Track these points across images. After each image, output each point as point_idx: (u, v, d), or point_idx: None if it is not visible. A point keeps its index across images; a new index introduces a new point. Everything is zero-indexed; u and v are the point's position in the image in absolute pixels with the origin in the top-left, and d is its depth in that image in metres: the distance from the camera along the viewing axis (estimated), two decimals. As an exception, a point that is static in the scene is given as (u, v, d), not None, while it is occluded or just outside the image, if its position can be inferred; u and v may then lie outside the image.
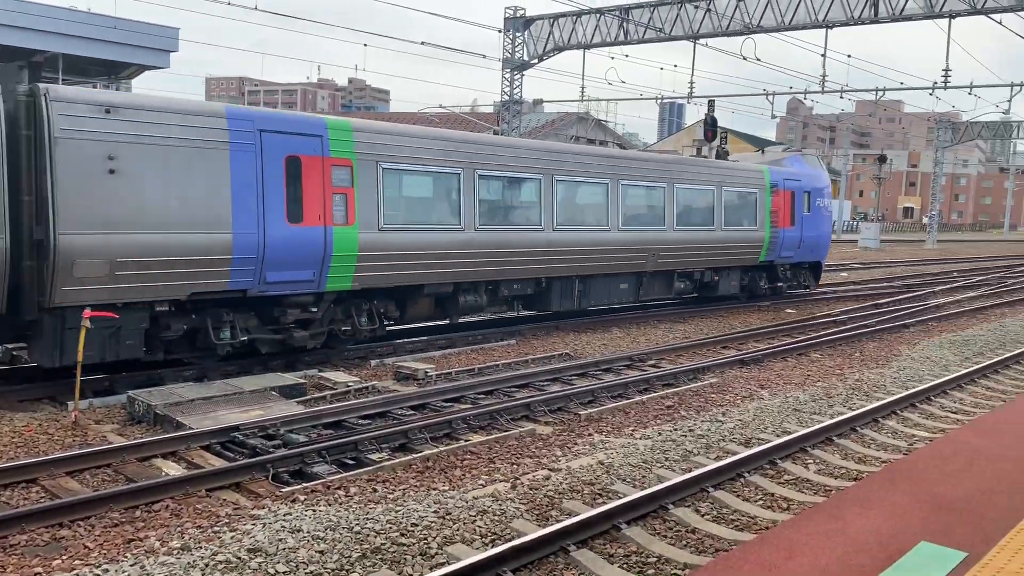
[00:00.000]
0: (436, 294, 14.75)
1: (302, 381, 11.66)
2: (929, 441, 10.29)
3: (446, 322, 15.82)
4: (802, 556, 4.23)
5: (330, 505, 7.49)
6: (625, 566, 6.54)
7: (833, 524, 4.64)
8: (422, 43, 26.03)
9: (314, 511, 7.28)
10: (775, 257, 22.50)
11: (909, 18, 23.38)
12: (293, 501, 7.62)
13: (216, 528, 6.92)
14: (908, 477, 5.49)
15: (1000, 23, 22.13)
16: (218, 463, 8.64)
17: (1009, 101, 32.87)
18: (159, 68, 28.36)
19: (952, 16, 22.68)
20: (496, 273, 15.36)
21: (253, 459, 8.40)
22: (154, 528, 6.98)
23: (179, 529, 6.94)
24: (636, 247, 18.12)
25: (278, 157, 12.08)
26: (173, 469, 8.49)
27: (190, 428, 9.38)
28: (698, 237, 19.76)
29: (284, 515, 7.16)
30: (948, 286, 30.09)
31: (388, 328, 14.95)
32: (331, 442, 8.95)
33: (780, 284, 23.33)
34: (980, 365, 14.49)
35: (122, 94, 11.47)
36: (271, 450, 8.81)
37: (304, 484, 8.04)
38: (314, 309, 12.98)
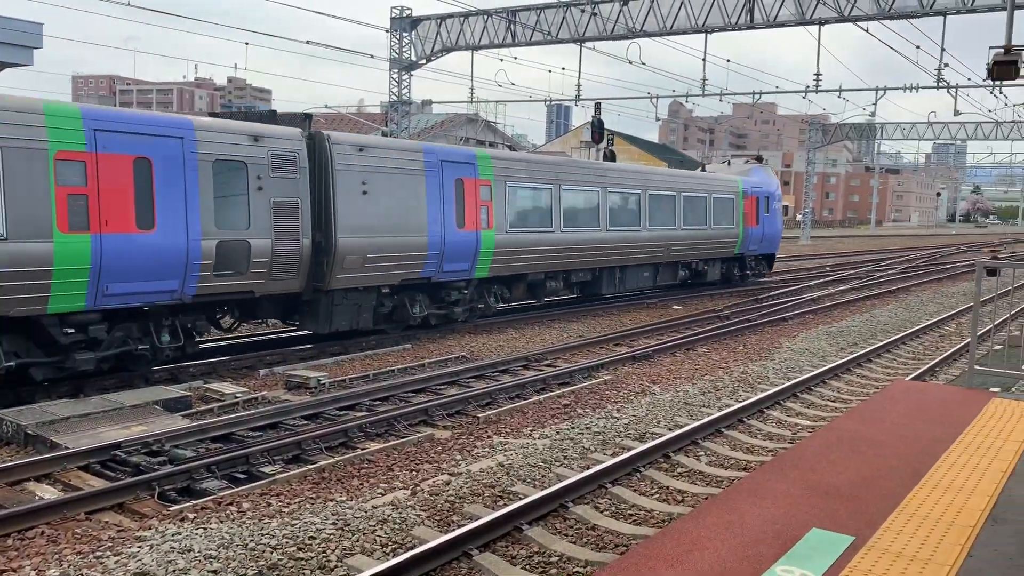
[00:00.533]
0: (532, 281, 19.34)
1: (187, 394, 11.18)
2: (813, 430, 10.77)
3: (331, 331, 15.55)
4: (703, 549, 4.32)
5: (222, 522, 7.19)
6: (528, 567, 6.55)
7: (730, 516, 4.76)
8: (307, 42, 25.47)
9: (205, 529, 6.97)
10: (745, 250, 27.70)
11: (783, 24, 24.48)
12: (182, 520, 7.28)
13: (98, 553, 6.53)
14: (796, 466, 5.70)
15: (867, 31, 23.46)
16: (98, 483, 8.16)
17: (875, 104, 34.90)
18: (21, 66, 26.65)
19: (822, 23, 23.88)
20: (572, 264, 20.10)
21: (137, 478, 7.99)
22: (29, 557, 6.53)
23: (57, 556, 6.51)
24: (657, 243, 23.14)
25: (451, 180, 16.50)
26: (48, 492, 7.97)
27: (66, 448, 8.84)
28: (697, 234, 24.89)
29: (173, 535, 6.83)
30: (822, 280, 31.65)
31: (277, 336, 14.71)
32: (220, 456, 8.61)
33: (748, 272, 28.62)
34: (855, 355, 15.28)
35: (368, 137, 16.10)
36: (156, 467, 8.39)
37: (193, 501, 7.69)
38: (465, 291, 17.44)
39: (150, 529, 7.03)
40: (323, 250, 14.09)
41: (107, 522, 7.30)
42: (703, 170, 28.75)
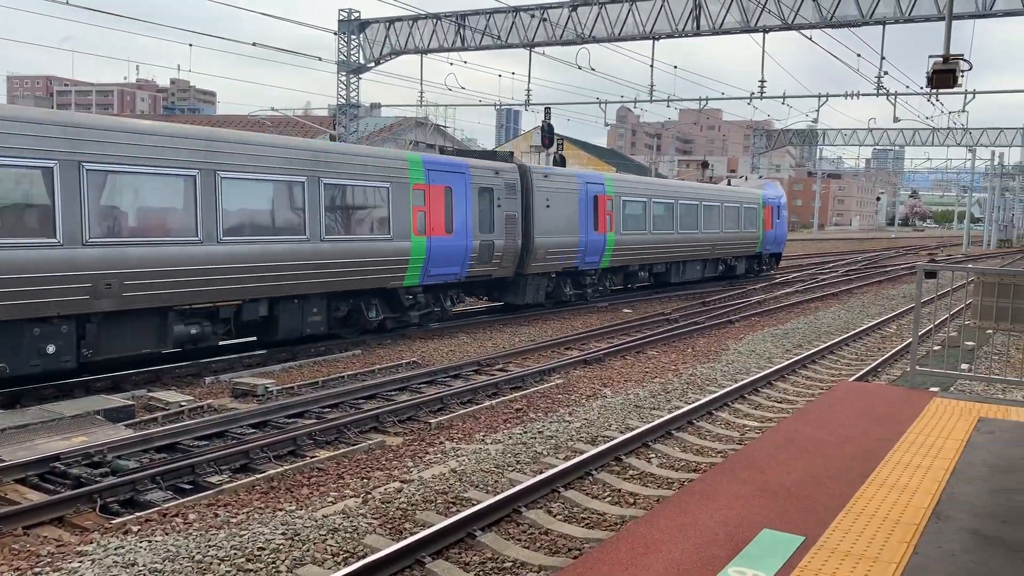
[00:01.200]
0: (629, 271, 25.43)
1: (130, 403, 10.90)
2: (761, 431, 10.93)
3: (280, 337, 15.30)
4: (657, 552, 4.33)
5: (167, 534, 7.01)
6: (481, 573, 6.51)
7: (683, 518, 4.79)
8: (253, 44, 25.08)
9: (150, 542, 6.78)
10: (763, 249, 34.33)
11: (728, 31, 24.87)
12: (125, 533, 7.08)
13: (37, 569, 6.31)
14: (747, 467, 5.77)
15: (810, 39, 23.99)
16: (37, 497, 7.90)
17: (817, 110, 35.68)
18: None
19: (766, 31, 24.33)
20: (657, 259, 26.37)
21: (77, 490, 7.75)
22: (-38, 575, 6.28)
23: (-8, 574, 6.27)
24: (708, 243, 29.31)
25: (591, 196, 22.67)
26: (-17, 507, 7.68)
27: (1, 460, 8.54)
28: (733, 236, 31.26)
29: (116, 549, 6.63)
30: (767, 283, 32.21)
31: (223, 344, 14.38)
32: (165, 467, 8.40)
33: (764, 266, 35.26)
34: (800, 356, 15.57)
35: (549, 168, 22.52)
36: (98, 479, 8.15)
37: (137, 513, 7.48)
38: (595, 277, 23.66)
39: (92, 543, 6.82)
40: (524, 247, 20.31)
41: (46, 537, 7.06)
42: (729, 183, 36.47)
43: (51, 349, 11.16)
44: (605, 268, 23.88)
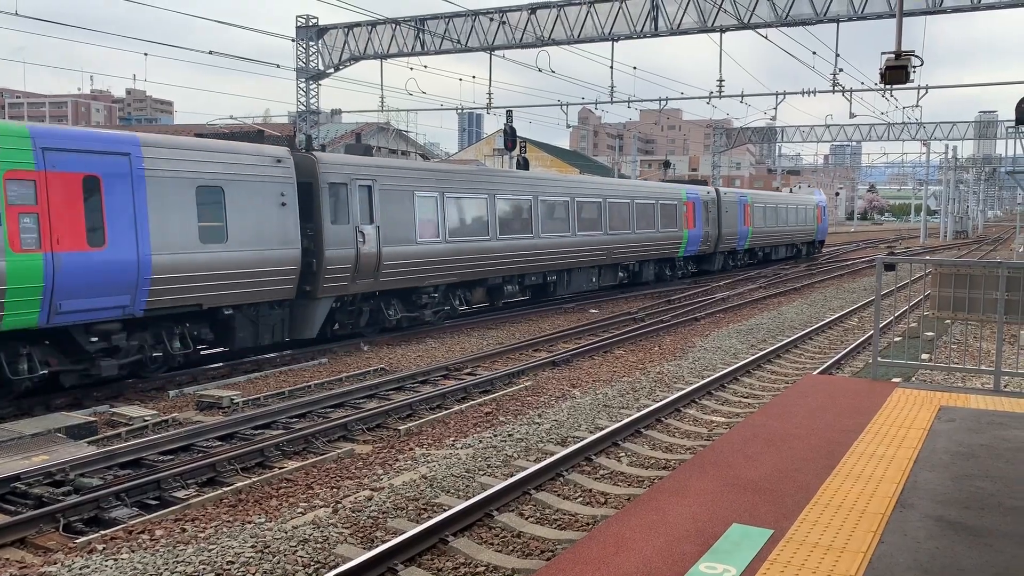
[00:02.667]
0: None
1: (92, 419, 10.71)
2: (729, 426, 11.03)
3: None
4: (629, 550, 4.35)
5: (133, 552, 6.89)
6: (455, 579, 6.49)
7: (654, 515, 4.81)
8: (210, 52, 24.79)
9: (116, 560, 6.66)
10: (816, 238, 48.45)
11: (686, 32, 25.10)
12: (90, 552, 6.95)
13: (-2, 593, 6.17)
14: (715, 463, 5.81)
15: (766, 37, 24.28)
16: (-3, 519, 7.72)
17: (775, 108, 36.09)
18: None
19: (723, 30, 24.59)
20: (763, 243, 39.73)
21: (40, 510, 7.59)
22: (-80, 602, 6.12)
23: (-48, 599, 6.12)
24: (790, 233, 42.78)
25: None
26: (-59, 531, 7.49)
27: (-40, 483, 8.33)
28: (800, 228, 44.85)
29: (81, 568, 6.50)
30: (731, 280, 32.55)
31: (184, 353, 14.16)
32: (130, 483, 8.26)
33: (815, 253, 49.05)
34: (765, 351, 15.74)
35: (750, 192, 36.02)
36: (60, 498, 7.99)
37: (102, 532, 7.35)
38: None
39: (55, 564, 6.68)
40: (716, 235, 31.14)
41: (8, 559, 6.90)
42: (791, 191, 51.61)
43: None
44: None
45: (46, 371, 11.63)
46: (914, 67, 10.85)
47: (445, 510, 7.66)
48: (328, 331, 16.88)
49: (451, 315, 20.04)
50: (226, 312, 13.97)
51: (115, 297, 12.00)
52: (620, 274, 27.08)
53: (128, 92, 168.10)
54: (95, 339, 12.17)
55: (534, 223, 21.95)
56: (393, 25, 28.95)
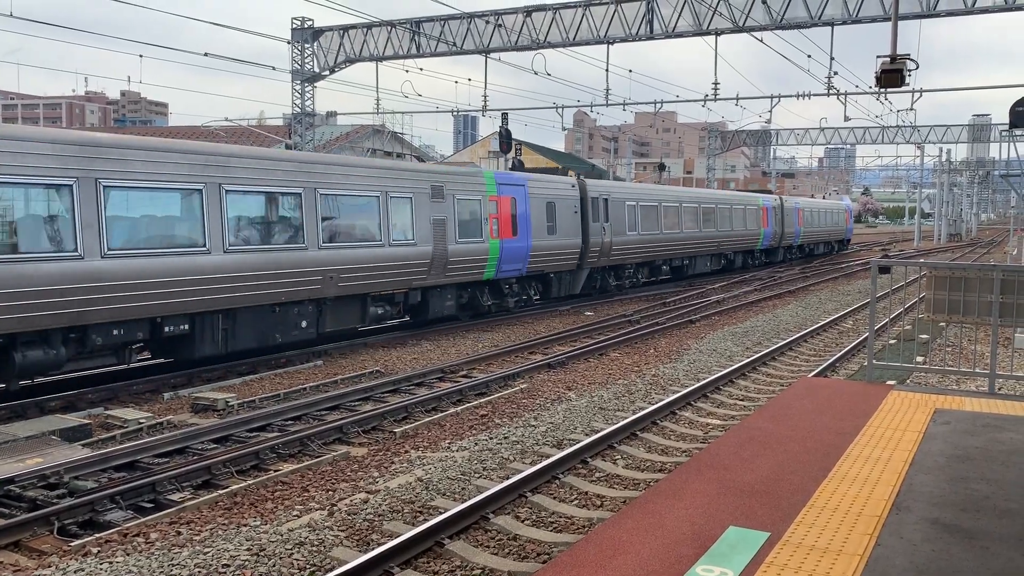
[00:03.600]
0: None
1: (86, 422, 10.68)
2: (724, 429, 11.04)
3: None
4: (624, 553, 4.35)
5: (128, 555, 6.87)
6: (451, 582, 6.48)
7: (651, 518, 4.81)
8: (205, 54, 24.75)
9: (111, 563, 6.64)
10: (844, 236, 55.80)
11: (681, 35, 25.15)
12: (85, 555, 6.92)
13: (-8, 596, 6.14)
14: (712, 466, 5.82)
15: (761, 40, 24.33)
16: (-9, 522, 7.68)
17: (770, 111, 36.31)
18: None
19: (718, 33, 24.65)
20: (810, 239, 48.42)
21: (34, 513, 7.56)
22: (-86, 605, 6.09)
23: (-54, 603, 6.09)
24: (823, 231, 49.89)
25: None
26: (-66, 534, 7.45)
27: (-47, 485, 8.30)
28: (832, 229, 52.09)
29: (75, 571, 6.48)
30: (726, 282, 32.59)
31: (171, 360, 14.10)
32: (125, 486, 8.23)
33: (845, 248, 57.51)
34: (760, 354, 15.76)
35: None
36: (55, 501, 7.96)
37: (97, 535, 7.32)
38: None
39: (50, 567, 6.66)
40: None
41: (2, 562, 6.88)
42: (825, 198, 57.90)
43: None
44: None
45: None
46: (909, 71, 10.89)
47: (441, 513, 7.65)
48: (589, 288, 25.86)
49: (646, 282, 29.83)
50: (550, 276, 23.15)
51: (516, 264, 21.03)
52: (723, 261, 36.40)
53: (123, 94, 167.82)
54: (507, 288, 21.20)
55: (686, 222, 31.33)
56: (388, 27, 28.95)
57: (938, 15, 22.30)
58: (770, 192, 48.35)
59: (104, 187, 11.97)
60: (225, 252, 13.55)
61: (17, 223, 11.03)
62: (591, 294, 26.53)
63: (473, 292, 20.40)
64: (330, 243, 15.67)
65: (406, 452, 9.97)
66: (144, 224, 12.62)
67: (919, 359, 14.65)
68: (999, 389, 11.24)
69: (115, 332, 12.25)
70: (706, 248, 33.59)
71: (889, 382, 9.78)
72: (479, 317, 21.14)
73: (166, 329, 12.97)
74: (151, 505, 8.14)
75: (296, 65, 30.50)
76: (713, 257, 35.16)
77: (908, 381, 12.88)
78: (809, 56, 26.78)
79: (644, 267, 29.20)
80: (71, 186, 11.59)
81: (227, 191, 13.79)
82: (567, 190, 23.93)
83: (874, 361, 9.01)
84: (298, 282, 14.94)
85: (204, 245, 13.26)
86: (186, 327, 13.26)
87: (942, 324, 15.31)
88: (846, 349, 16.19)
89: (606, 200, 25.88)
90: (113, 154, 12.22)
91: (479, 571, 6.65)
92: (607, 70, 28.22)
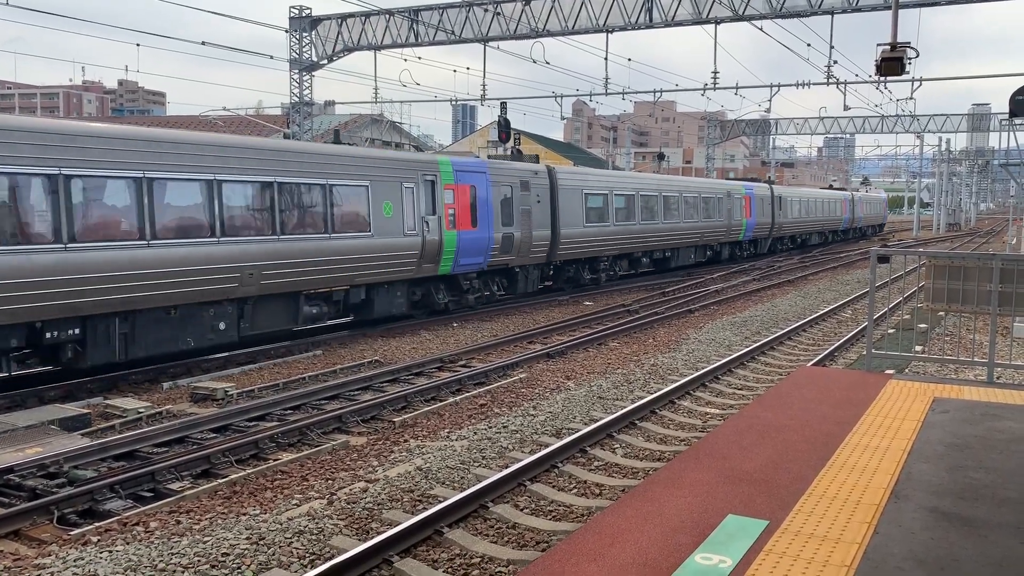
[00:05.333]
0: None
1: (86, 411, 10.68)
2: (723, 418, 11.05)
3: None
4: (624, 541, 4.35)
5: (128, 544, 6.88)
6: (450, 570, 6.50)
7: (650, 506, 4.82)
8: (203, 43, 24.64)
9: (110, 552, 6.65)
10: (851, 225, 58.37)
11: (680, 23, 25.04)
12: (85, 544, 6.93)
13: (-8, 585, 6.15)
14: (711, 454, 5.82)
15: (761, 29, 24.24)
16: (-10, 511, 7.69)
17: (769, 100, 36.15)
18: None
19: (718, 22, 24.55)
20: (803, 231, 48.17)
21: (34, 502, 7.57)
22: (-86, 594, 6.10)
23: (-54, 592, 6.10)
24: (826, 221, 52.13)
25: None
26: (-66, 523, 7.46)
27: (-47, 475, 8.30)
28: (826, 218, 52.22)
29: (75, 560, 6.49)
30: (725, 272, 32.58)
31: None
32: (124, 475, 8.24)
33: (863, 233, 63.78)
34: (759, 343, 15.77)
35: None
36: (54, 490, 7.97)
37: (96, 524, 7.33)
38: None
39: (50, 556, 6.67)
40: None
41: (2, 551, 6.89)
42: (831, 187, 64.94)
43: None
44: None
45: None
46: (909, 59, 10.86)
47: (440, 501, 7.67)
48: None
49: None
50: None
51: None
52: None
53: (120, 83, 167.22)
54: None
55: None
56: (387, 16, 28.82)
57: (938, 3, 22.21)
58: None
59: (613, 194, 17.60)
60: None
61: None
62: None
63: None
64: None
65: (405, 441, 9.98)
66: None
67: (918, 348, 14.65)
68: (998, 378, 11.24)
69: None
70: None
71: (888, 371, 9.79)
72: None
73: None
74: (151, 494, 8.15)
75: (294, 54, 30.39)
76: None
77: (907, 370, 12.89)
78: (809, 45, 26.67)
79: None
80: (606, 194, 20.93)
81: (663, 194, 24.03)
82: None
83: (873, 350, 9.01)
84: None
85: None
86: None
87: (941, 313, 15.31)
88: (845, 338, 16.20)
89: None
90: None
91: (478, 559, 6.66)
92: (606, 59, 28.13)
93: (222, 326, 14.02)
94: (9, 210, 10.97)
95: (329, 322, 16.80)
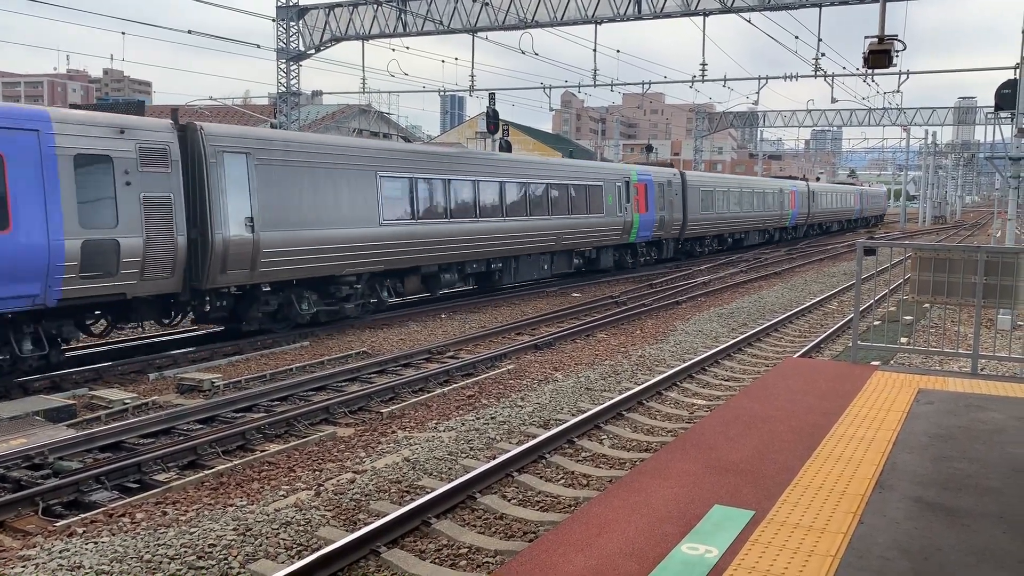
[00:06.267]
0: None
1: (71, 402, 10.62)
2: (710, 409, 11.10)
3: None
4: (611, 532, 4.37)
5: (114, 535, 6.85)
6: (437, 560, 6.51)
7: (636, 497, 4.83)
8: (189, 32, 24.46)
9: (96, 543, 6.62)
10: (859, 215, 65.70)
11: (669, 15, 25.05)
12: (70, 535, 6.90)
13: (-23, 577, 6.11)
14: (697, 445, 5.84)
15: (749, 21, 24.27)
16: (-26, 502, 7.64)
17: (757, 93, 36.19)
18: None
19: (706, 14, 24.56)
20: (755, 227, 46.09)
21: (18, 493, 7.52)
22: None
23: (-71, 583, 6.07)
24: (838, 213, 58.66)
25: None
26: (-83, 515, 7.41)
27: (-64, 466, 8.24)
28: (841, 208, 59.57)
29: (60, 552, 6.46)
30: (713, 264, 32.68)
31: (166, 339, 14.07)
32: (110, 466, 8.20)
33: (867, 224, 70.78)
34: (745, 335, 15.83)
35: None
36: (39, 481, 7.92)
37: (82, 515, 7.30)
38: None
39: (35, 547, 6.64)
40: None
41: (-14, 543, 6.85)
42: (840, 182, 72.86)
43: None
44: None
45: None
46: (897, 52, 10.89)
47: (428, 492, 7.67)
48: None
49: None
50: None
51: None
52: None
53: (105, 72, 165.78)
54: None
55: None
56: (375, 5, 28.68)
57: (926, -3, 22.30)
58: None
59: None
60: None
61: None
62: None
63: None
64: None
65: (393, 432, 9.97)
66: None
67: (903, 340, 14.75)
68: (982, 370, 11.34)
69: None
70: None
71: (873, 363, 9.85)
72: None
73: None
74: (136, 485, 8.12)
75: (281, 43, 30.21)
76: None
77: (892, 362, 12.98)
78: (797, 37, 26.77)
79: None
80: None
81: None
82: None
83: (859, 342, 9.06)
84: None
85: None
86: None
87: (926, 305, 15.42)
88: (831, 330, 16.28)
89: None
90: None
91: (466, 550, 6.67)
92: (595, 50, 28.11)
93: (545, 267, 23.41)
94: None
95: (580, 271, 26.84)
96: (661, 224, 30.07)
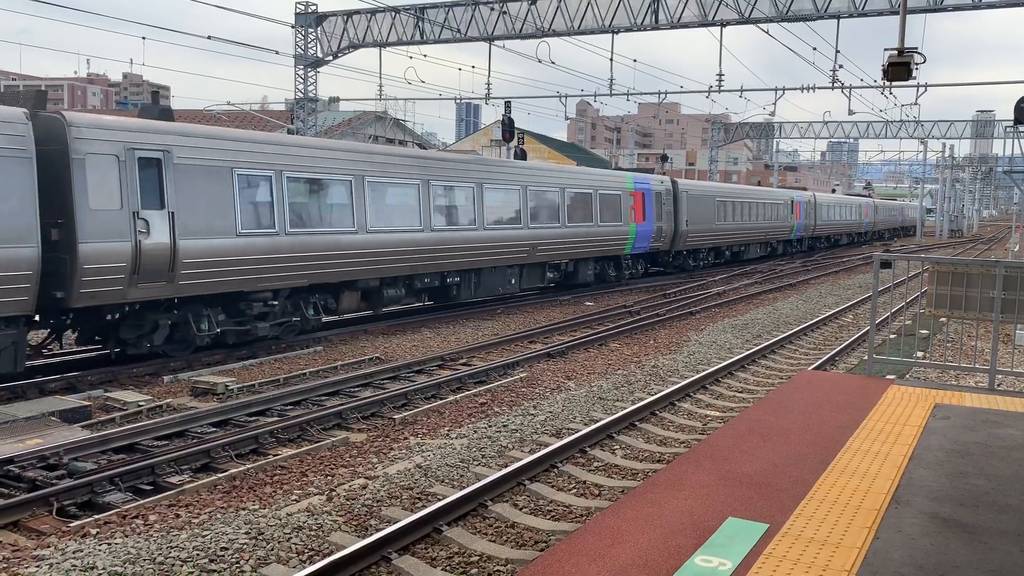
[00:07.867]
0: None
1: (86, 403, 10.68)
2: (723, 420, 11.04)
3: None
4: (624, 542, 4.35)
5: (127, 536, 6.88)
6: (448, 568, 6.50)
7: (650, 508, 4.82)
8: (208, 37, 24.65)
9: (109, 544, 6.65)
10: (870, 228, 65.03)
11: (686, 25, 25.04)
12: (84, 536, 6.93)
13: (-9, 576, 6.15)
14: (711, 457, 5.82)
15: (767, 32, 24.23)
16: (-10, 502, 7.69)
17: (774, 103, 36.13)
18: None
19: (724, 24, 24.54)
20: (830, 231, 53.30)
21: (33, 493, 7.57)
22: (-87, 583, 6.10)
23: (-55, 581, 6.11)
24: (850, 223, 58.28)
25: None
26: (-66, 513, 7.47)
27: (-47, 465, 8.31)
28: (850, 223, 58.80)
29: (74, 552, 6.49)
30: (727, 275, 32.58)
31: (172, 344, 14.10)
32: (124, 468, 8.24)
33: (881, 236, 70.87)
34: (760, 346, 15.76)
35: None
36: (54, 482, 7.97)
37: (95, 516, 7.33)
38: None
39: (49, 547, 6.67)
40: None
41: (1, 542, 6.89)
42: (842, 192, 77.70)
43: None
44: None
45: None
46: (916, 64, 10.85)
47: (439, 499, 7.67)
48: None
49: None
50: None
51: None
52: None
53: (125, 76, 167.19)
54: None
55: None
56: (392, 13, 28.82)
57: (944, 9, 22.20)
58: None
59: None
60: None
61: None
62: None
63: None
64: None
65: (405, 439, 9.98)
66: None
67: (919, 354, 14.65)
68: (999, 385, 11.25)
69: None
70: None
71: (889, 376, 9.78)
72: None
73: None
74: (150, 487, 8.16)
75: (299, 50, 30.39)
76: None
77: (908, 376, 12.89)
78: (815, 49, 26.63)
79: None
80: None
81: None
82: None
83: (874, 355, 9.00)
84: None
85: None
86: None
87: (943, 319, 15.29)
88: (846, 343, 16.19)
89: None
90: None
91: (477, 558, 6.66)
92: (611, 59, 28.12)
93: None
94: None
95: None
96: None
